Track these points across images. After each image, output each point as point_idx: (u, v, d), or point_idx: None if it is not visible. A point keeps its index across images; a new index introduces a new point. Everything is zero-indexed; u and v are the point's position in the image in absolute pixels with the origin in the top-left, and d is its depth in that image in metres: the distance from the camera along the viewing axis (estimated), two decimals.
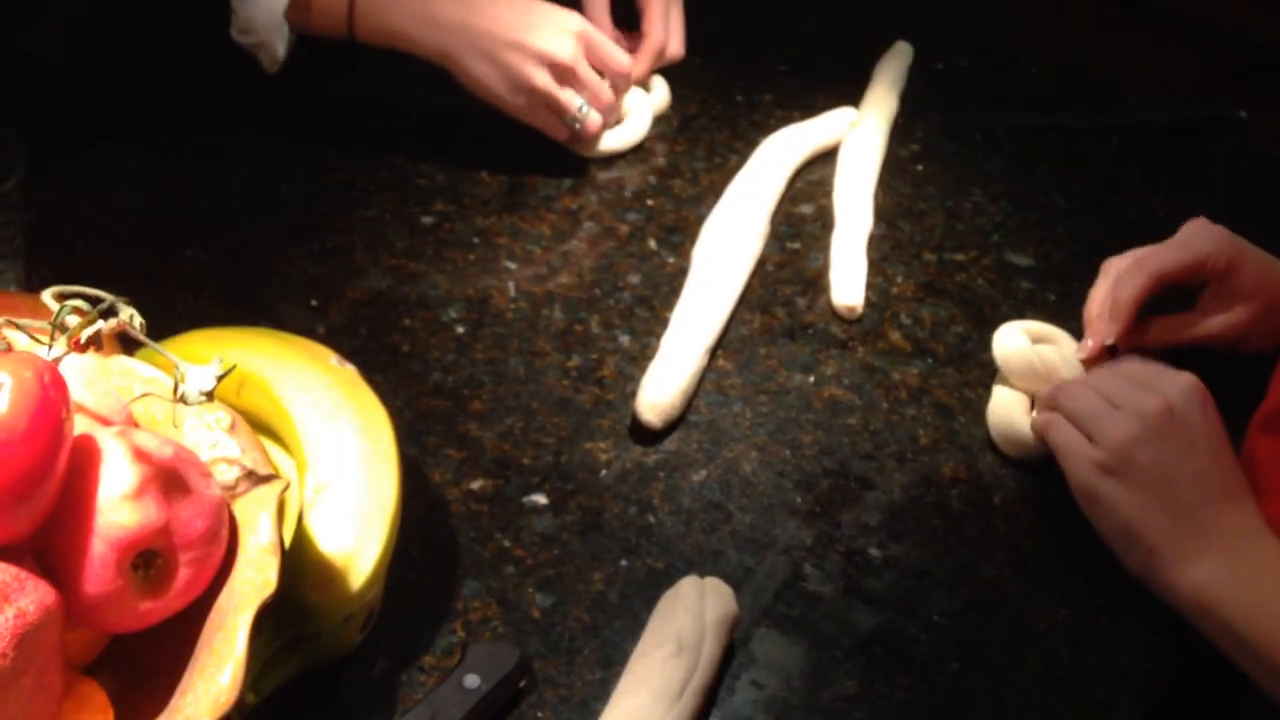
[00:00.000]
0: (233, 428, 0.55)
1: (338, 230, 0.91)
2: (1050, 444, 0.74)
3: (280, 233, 0.90)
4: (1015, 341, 0.82)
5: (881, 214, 0.97)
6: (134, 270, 0.85)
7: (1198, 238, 0.80)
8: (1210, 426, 0.70)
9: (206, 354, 0.53)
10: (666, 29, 1.03)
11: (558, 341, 0.85)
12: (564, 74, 0.94)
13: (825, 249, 0.94)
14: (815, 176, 1.01)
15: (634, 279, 0.90)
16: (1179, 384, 0.71)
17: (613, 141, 1.00)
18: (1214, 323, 0.81)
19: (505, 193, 0.96)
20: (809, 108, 1.06)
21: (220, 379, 0.50)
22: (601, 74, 0.96)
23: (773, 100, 1.08)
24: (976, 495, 0.77)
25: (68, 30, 0.89)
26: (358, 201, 0.94)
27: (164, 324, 0.64)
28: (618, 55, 0.97)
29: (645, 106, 1.02)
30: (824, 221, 0.96)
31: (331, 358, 0.67)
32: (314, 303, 0.85)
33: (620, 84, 0.98)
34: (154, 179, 0.94)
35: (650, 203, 0.97)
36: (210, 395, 0.49)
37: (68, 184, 0.91)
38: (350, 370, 0.67)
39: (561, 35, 0.94)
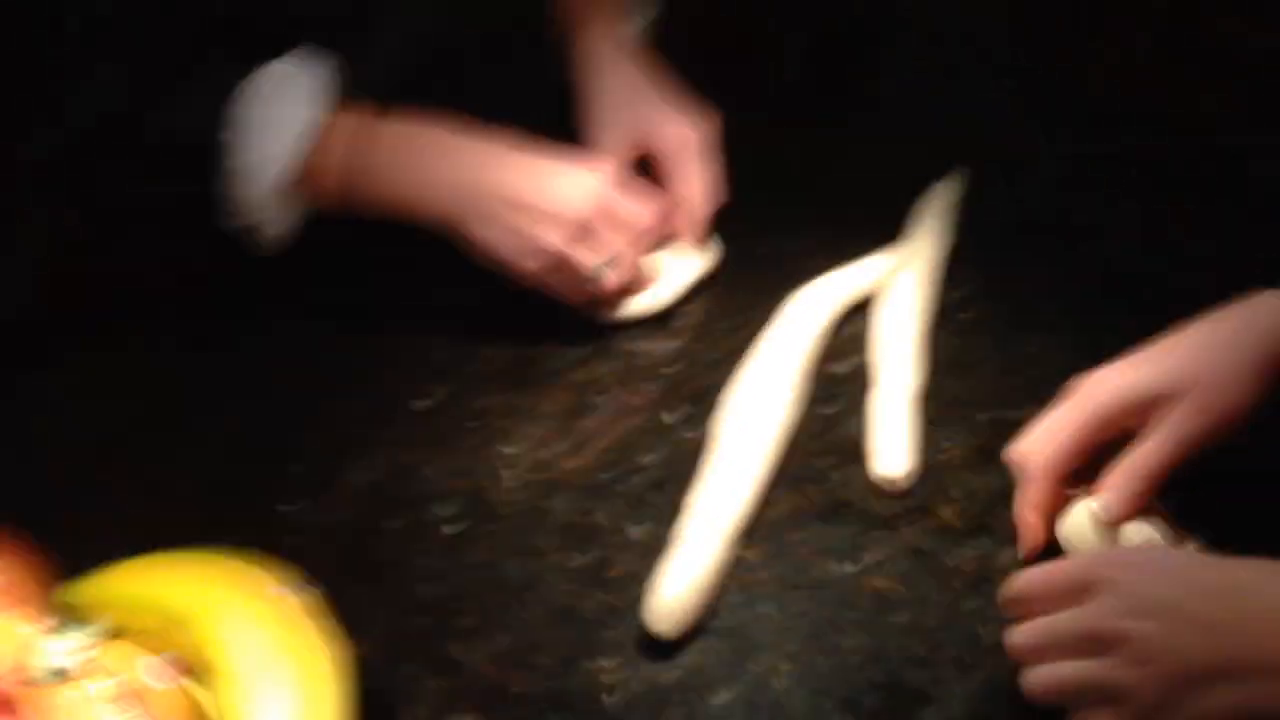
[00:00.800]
0: (121, 698, 0.45)
1: (322, 424, 0.83)
2: None
3: (259, 428, 0.83)
4: (1082, 522, 0.70)
5: (927, 369, 0.86)
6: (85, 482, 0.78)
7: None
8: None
9: (131, 594, 0.45)
10: (703, 183, 0.96)
11: (560, 539, 0.75)
12: (579, 233, 0.86)
13: (864, 412, 0.83)
14: (851, 331, 0.91)
15: (648, 459, 0.80)
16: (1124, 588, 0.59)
17: (636, 306, 0.91)
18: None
19: (509, 367, 0.88)
20: (842, 255, 0.96)
21: (89, 649, 0.41)
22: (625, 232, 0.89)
23: (800, 249, 0.99)
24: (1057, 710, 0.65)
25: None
26: (348, 388, 0.86)
27: (111, 543, 0.56)
28: (638, 212, 0.89)
29: (684, 270, 0.94)
30: (862, 381, 0.86)
31: (272, 587, 0.57)
32: (291, 507, 0.76)
33: (642, 243, 0.90)
34: (134, 373, 0.88)
35: (668, 371, 0.88)
36: (64, 675, 0.40)
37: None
38: (295, 601, 0.58)
39: (575, 192, 0.87)
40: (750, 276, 0.96)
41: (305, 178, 0.84)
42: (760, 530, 0.75)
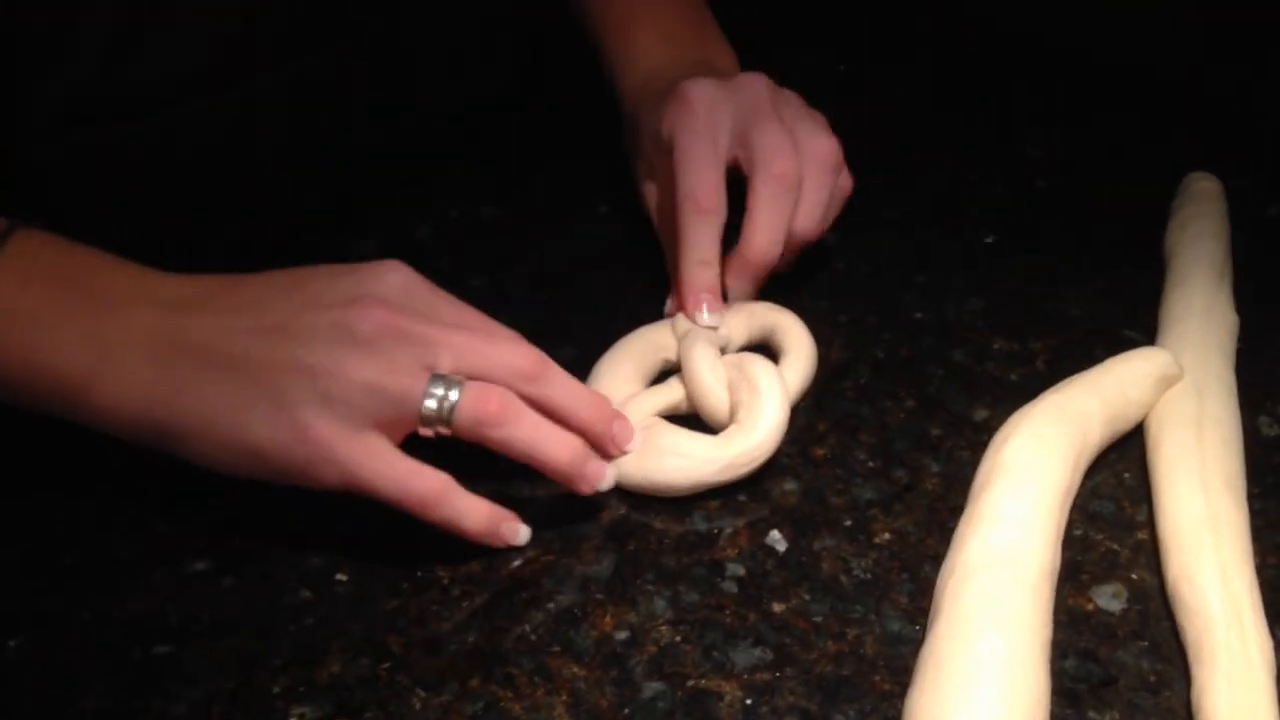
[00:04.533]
0: None
1: None
2: None
3: None
4: None
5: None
6: None
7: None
8: None
9: None
10: (783, 226, 0.54)
11: None
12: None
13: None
14: (1099, 508, 0.49)
15: None
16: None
17: (664, 474, 0.48)
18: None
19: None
20: (1051, 352, 0.54)
21: None
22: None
23: (985, 347, 0.56)
24: None
25: None
26: None
27: None
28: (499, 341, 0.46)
29: (768, 393, 0.49)
30: (1157, 641, 0.44)
31: None
32: None
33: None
34: None
35: (750, 630, 0.45)
36: None
37: None
38: None
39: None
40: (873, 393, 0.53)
41: None
42: None
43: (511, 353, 0.44)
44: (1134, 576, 0.46)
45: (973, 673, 0.40)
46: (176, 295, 0.44)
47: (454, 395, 0.43)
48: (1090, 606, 0.45)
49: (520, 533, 0.46)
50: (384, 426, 0.43)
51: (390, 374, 0.42)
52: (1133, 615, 0.45)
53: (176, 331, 0.43)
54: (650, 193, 0.59)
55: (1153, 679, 0.42)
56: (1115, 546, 0.47)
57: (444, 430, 0.43)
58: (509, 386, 0.44)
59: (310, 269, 0.45)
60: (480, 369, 0.43)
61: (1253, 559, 0.45)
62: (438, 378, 0.43)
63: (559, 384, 0.45)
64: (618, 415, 0.48)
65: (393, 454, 0.43)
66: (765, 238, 0.53)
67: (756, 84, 0.56)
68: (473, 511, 0.45)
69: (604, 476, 0.46)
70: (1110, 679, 0.43)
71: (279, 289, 0.44)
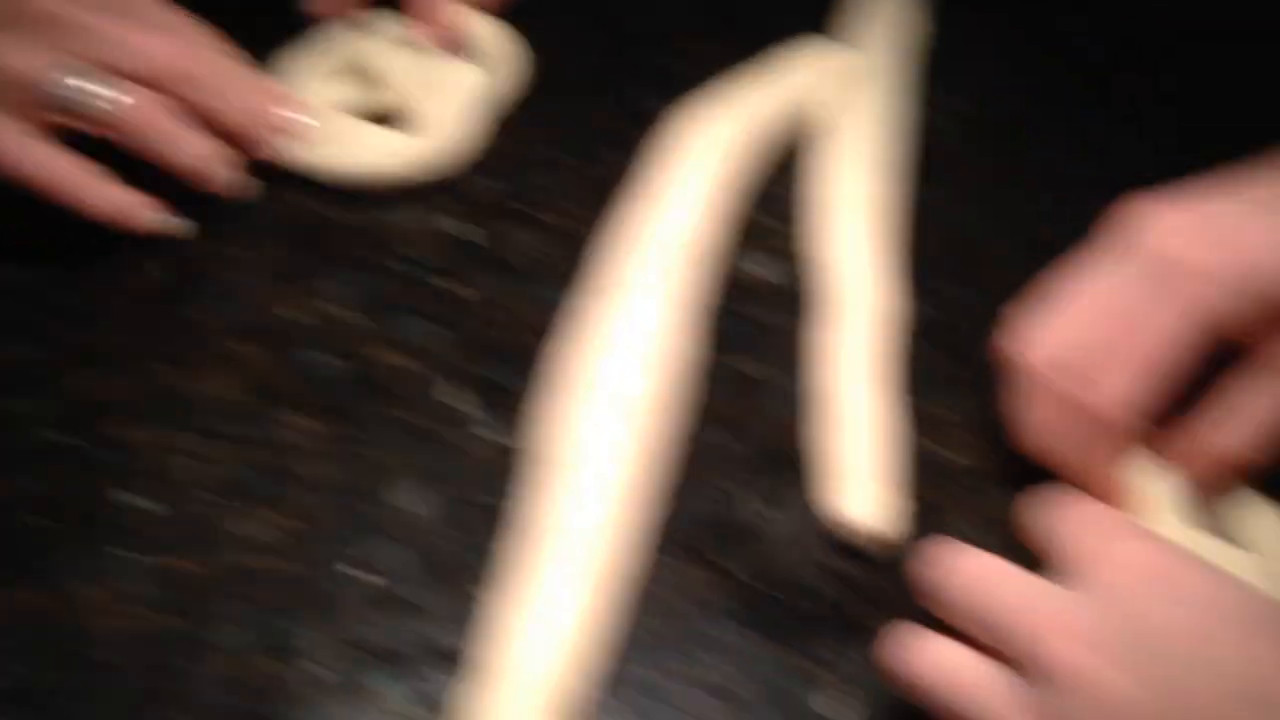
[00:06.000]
0: None
1: None
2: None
3: None
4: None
5: (915, 272, 0.49)
6: None
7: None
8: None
9: None
10: None
11: None
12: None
13: (801, 368, 0.46)
14: (774, 193, 0.52)
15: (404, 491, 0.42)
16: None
17: (333, 160, 0.50)
18: None
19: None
20: (742, 50, 0.56)
21: None
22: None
23: (675, 49, 0.58)
24: None
25: None
26: None
27: None
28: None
29: (449, 90, 0.52)
30: (789, 302, 0.48)
31: None
32: None
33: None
34: None
35: (435, 306, 0.48)
36: None
37: None
38: None
39: None
40: (588, 101, 0.55)
41: None
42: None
43: (160, 49, 0.45)
44: (793, 249, 0.50)
45: (617, 330, 0.44)
46: None
47: (90, 87, 0.44)
48: (748, 275, 0.49)
49: (167, 221, 0.47)
50: (20, 110, 0.44)
51: (18, 55, 0.43)
52: (785, 281, 0.49)
53: None
54: None
55: (792, 331, 0.47)
56: (778, 223, 0.51)
57: (83, 126, 0.44)
58: (154, 82, 0.45)
59: None
60: (120, 61, 0.44)
61: (894, 231, 0.50)
62: (78, 68, 0.44)
63: (210, 85, 0.46)
64: (286, 100, 0.49)
65: (26, 135, 0.44)
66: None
67: None
68: (102, 197, 0.45)
69: (234, 181, 0.48)
70: (753, 333, 0.47)
71: None
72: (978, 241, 0.51)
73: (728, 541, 0.41)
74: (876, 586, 0.40)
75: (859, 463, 0.41)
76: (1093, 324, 0.38)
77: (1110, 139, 0.55)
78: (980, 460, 0.44)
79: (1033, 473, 0.42)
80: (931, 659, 0.34)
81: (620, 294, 0.45)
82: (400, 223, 0.50)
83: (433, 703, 0.37)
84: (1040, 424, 0.39)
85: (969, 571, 0.34)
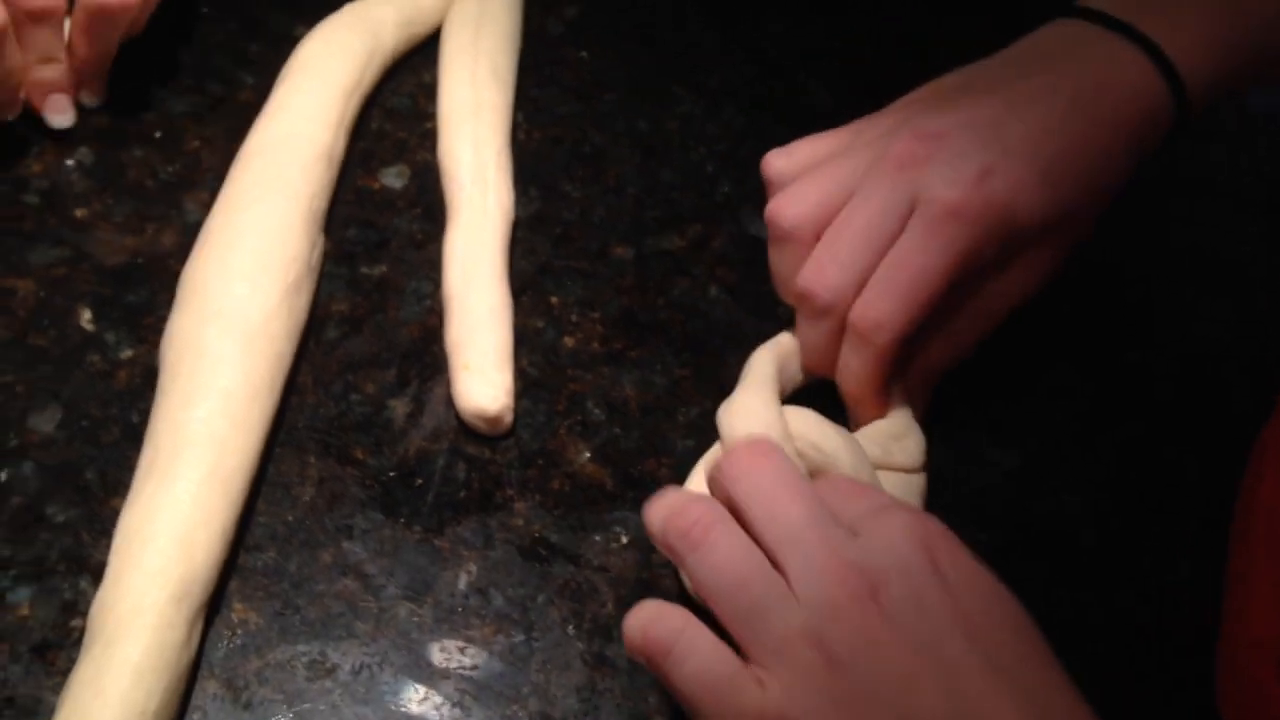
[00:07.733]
0: None
1: None
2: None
3: None
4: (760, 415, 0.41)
5: (528, 174, 0.53)
6: None
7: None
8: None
9: None
10: None
11: None
12: None
13: (429, 271, 0.49)
14: (397, 105, 0.55)
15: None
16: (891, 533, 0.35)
17: None
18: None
19: None
20: None
21: None
22: None
23: None
24: None
25: None
26: None
27: None
28: None
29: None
30: (428, 207, 0.51)
31: None
32: None
33: None
34: None
35: (73, 228, 0.48)
36: None
37: None
38: None
39: None
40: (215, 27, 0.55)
41: None
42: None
43: None
44: (418, 159, 0.53)
45: (234, 239, 0.45)
46: None
47: None
48: (376, 185, 0.52)
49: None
50: None
51: None
52: (411, 190, 0.52)
53: None
54: None
55: (420, 237, 0.50)
56: (405, 135, 0.54)
57: None
58: None
59: None
60: None
61: (508, 135, 0.53)
62: None
63: None
64: None
65: None
66: None
67: None
68: None
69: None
70: (384, 241, 0.50)
71: None
72: (588, 140, 0.55)
73: (368, 438, 0.44)
74: (508, 467, 0.44)
75: (480, 354, 0.45)
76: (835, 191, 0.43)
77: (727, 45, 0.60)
78: (588, 341, 0.48)
79: (623, 341, 0.47)
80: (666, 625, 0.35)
81: (239, 202, 0.46)
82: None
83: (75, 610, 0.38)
84: (811, 347, 0.44)
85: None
